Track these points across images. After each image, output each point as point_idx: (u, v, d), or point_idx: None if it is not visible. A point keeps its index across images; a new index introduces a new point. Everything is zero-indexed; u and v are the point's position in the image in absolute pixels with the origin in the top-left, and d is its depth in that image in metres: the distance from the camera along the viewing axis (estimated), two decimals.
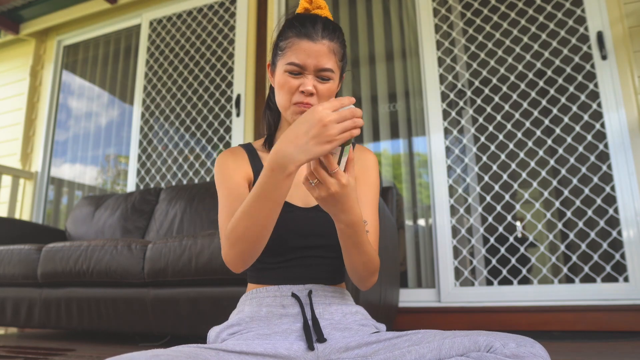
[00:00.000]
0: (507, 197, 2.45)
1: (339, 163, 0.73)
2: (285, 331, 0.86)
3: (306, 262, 0.92)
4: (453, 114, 2.60)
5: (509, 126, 2.51)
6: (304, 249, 0.92)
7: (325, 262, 0.94)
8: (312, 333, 0.85)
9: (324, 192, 0.73)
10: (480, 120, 2.58)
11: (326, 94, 0.92)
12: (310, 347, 0.82)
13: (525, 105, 2.48)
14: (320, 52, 0.89)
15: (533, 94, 2.51)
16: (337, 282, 0.96)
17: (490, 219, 2.48)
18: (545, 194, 2.41)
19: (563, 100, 2.42)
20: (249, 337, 0.85)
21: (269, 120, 1.05)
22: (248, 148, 1.03)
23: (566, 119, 2.41)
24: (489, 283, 2.39)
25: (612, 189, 2.22)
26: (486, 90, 2.60)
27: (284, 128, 1.01)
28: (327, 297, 0.91)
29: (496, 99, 2.55)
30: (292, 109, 0.91)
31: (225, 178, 0.94)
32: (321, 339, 0.83)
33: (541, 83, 2.48)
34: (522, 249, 2.40)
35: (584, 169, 2.32)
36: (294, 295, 0.89)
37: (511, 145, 2.47)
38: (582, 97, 2.36)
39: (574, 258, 2.29)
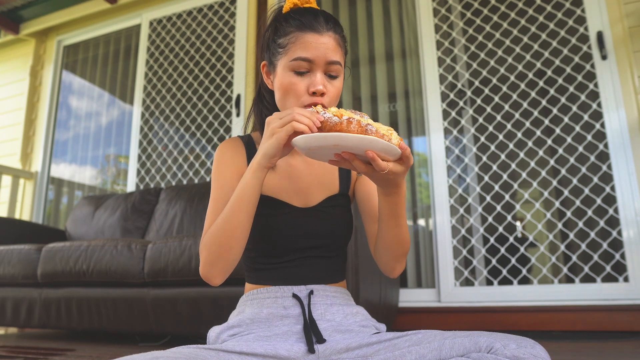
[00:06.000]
0: (507, 197, 2.45)
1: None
2: (285, 333, 0.85)
3: (306, 262, 0.91)
4: (453, 114, 2.60)
5: (509, 126, 2.50)
6: (304, 249, 0.91)
7: (325, 262, 0.93)
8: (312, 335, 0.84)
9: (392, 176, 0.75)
10: (480, 120, 2.58)
11: (335, 95, 0.88)
12: (311, 350, 0.81)
13: (525, 105, 2.48)
14: (328, 44, 0.85)
15: (533, 94, 2.50)
16: (337, 280, 0.95)
17: (490, 219, 2.47)
18: (545, 194, 2.41)
19: (563, 100, 2.42)
20: (250, 339, 0.85)
21: (263, 119, 0.97)
22: (247, 140, 0.99)
23: (566, 119, 2.41)
24: (489, 283, 2.39)
25: (612, 189, 2.21)
26: (486, 90, 2.59)
27: None
28: (328, 297, 0.91)
29: (496, 99, 2.55)
30: None
31: (219, 173, 0.93)
32: (320, 339, 0.83)
33: (541, 83, 2.48)
34: (522, 249, 2.40)
35: (584, 169, 2.32)
36: (294, 296, 0.88)
37: (511, 145, 2.47)
38: (582, 97, 2.36)
39: (574, 258, 2.29)
